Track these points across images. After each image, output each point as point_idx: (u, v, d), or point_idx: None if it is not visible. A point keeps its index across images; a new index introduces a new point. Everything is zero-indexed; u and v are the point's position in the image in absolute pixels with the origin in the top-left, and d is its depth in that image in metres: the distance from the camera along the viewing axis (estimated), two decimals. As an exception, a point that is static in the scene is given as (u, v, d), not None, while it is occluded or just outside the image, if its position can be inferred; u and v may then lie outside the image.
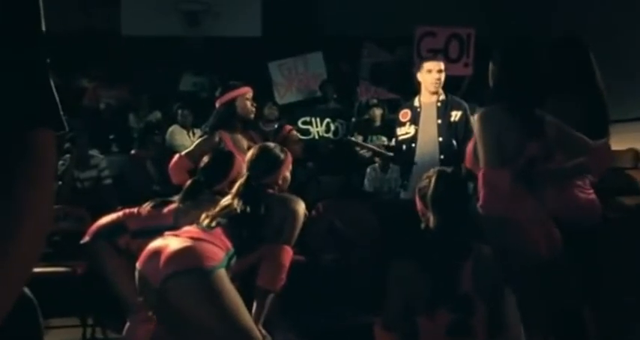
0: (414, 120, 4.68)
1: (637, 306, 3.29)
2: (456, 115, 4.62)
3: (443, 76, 4.63)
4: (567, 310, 3.20)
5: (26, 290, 1.27)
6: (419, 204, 2.76)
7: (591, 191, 3.10)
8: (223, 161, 3.56)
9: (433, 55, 6.17)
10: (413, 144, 4.67)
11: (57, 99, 0.78)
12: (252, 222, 2.99)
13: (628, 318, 3.23)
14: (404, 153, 4.74)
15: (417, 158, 4.63)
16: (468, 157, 3.04)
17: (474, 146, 2.96)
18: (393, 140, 4.96)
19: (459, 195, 2.71)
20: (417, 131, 4.65)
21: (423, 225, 2.68)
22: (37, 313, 1.93)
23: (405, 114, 4.75)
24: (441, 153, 4.57)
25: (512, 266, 2.69)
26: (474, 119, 2.90)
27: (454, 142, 4.57)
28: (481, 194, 2.77)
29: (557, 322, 3.08)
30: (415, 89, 4.83)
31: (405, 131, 4.72)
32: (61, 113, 0.78)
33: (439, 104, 4.65)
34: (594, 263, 3.09)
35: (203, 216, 3.02)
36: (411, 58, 6.75)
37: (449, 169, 2.94)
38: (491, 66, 3.06)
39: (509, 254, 2.72)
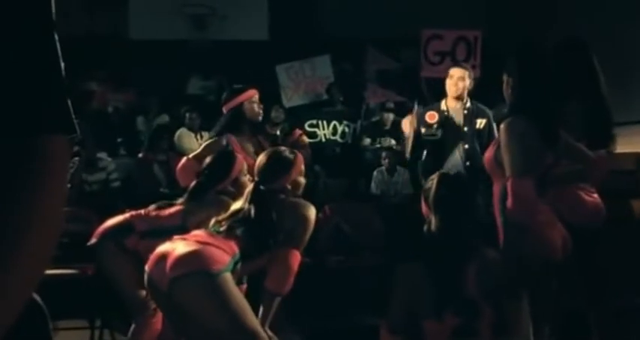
0: (442, 123, 4.71)
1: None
2: (480, 123, 4.72)
3: (462, 84, 4.69)
4: (572, 312, 3.21)
5: (36, 296, 1.27)
6: (424, 207, 2.78)
7: (595, 193, 3.11)
8: (224, 161, 3.58)
9: (441, 58, 6.24)
10: (439, 148, 4.70)
11: (69, 103, 0.76)
12: (262, 227, 2.99)
13: (632, 320, 3.23)
14: (429, 154, 4.74)
15: (445, 163, 4.63)
16: (488, 162, 3.08)
17: (495, 152, 2.99)
18: (409, 139, 4.90)
19: (460, 199, 2.73)
20: (443, 135, 4.69)
21: (425, 228, 2.70)
22: (47, 320, 1.95)
23: (432, 116, 4.75)
24: (467, 160, 4.61)
25: (529, 271, 2.71)
26: (501, 128, 2.93)
27: (478, 149, 4.61)
28: (509, 202, 2.81)
29: (562, 324, 3.09)
30: (420, 92, 4.86)
31: (431, 132, 4.73)
32: (74, 117, 0.77)
33: (465, 111, 4.72)
34: (598, 265, 3.10)
35: (213, 220, 3.05)
36: (417, 60, 6.77)
37: (452, 172, 2.97)
38: (506, 78, 3.09)
39: (528, 258, 2.74)
